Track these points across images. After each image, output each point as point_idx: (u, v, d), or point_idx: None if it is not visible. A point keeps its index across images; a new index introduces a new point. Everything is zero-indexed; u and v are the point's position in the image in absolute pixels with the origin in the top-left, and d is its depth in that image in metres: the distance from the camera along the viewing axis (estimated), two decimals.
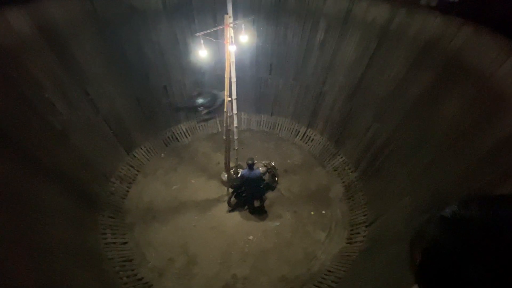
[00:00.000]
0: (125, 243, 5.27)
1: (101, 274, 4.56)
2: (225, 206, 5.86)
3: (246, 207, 5.82)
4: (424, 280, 0.68)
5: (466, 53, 4.07)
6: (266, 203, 5.94)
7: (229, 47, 4.05)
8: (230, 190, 5.77)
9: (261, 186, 5.59)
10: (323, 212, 5.93)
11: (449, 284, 0.62)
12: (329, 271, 5.00)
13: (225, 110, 4.89)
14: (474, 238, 0.62)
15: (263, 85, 7.44)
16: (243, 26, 4.22)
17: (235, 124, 5.06)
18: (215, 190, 6.18)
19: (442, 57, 4.37)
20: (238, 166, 6.04)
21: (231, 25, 3.92)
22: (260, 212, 5.79)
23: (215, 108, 6.79)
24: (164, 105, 6.90)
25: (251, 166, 5.06)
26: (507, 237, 0.60)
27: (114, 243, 5.18)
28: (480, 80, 3.78)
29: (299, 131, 7.46)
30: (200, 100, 6.69)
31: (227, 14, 3.85)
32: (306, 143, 7.30)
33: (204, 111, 6.74)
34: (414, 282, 0.71)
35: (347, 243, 5.43)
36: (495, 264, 0.59)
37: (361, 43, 5.64)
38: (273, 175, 6.25)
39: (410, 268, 0.73)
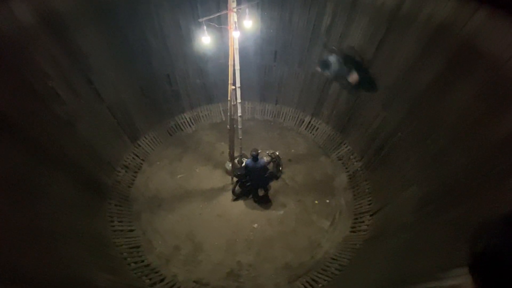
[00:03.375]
0: (132, 230, 5.38)
1: (109, 260, 4.67)
2: (229, 195, 5.91)
3: (251, 196, 5.85)
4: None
5: (480, 38, 3.88)
6: (270, 192, 5.97)
7: (233, 33, 3.94)
8: (235, 179, 5.79)
9: (265, 176, 5.59)
10: (327, 201, 5.93)
11: None
12: (333, 259, 5.06)
13: (228, 98, 4.83)
14: None
15: (267, 72, 7.30)
16: (247, 11, 4.09)
17: (239, 113, 5.01)
18: (219, 179, 6.21)
19: (455, 43, 4.19)
20: (242, 156, 6.03)
21: (235, 10, 3.80)
22: (264, 201, 5.83)
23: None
24: (167, 93, 6.85)
25: (255, 156, 5.04)
26: None
27: (122, 230, 5.29)
28: (494, 66, 3.63)
29: (303, 120, 7.38)
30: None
31: None
32: (310, 132, 7.23)
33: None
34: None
35: (351, 231, 5.46)
36: None
37: (370, 28, 5.44)
38: (277, 165, 6.24)
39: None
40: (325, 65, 5.67)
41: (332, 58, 5.55)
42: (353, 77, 5.48)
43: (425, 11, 4.57)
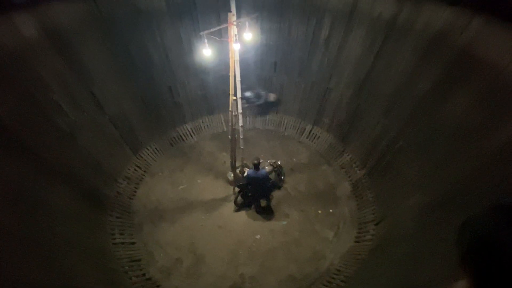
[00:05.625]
0: (133, 243, 5.31)
1: (110, 273, 4.60)
2: (232, 206, 5.85)
3: (253, 206, 5.80)
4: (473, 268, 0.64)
5: (477, 46, 3.94)
6: (273, 202, 5.91)
7: (233, 45, 4.02)
8: (237, 189, 5.75)
9: (268, 185, 5.56)
10: (331, 210, 5.86)
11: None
12: (338, 270, 4.95)
13: (230, 109, 4.87)
14: None
15: (267, 83, 7.39)
16: (247, 23, 4.18)
17: (241, 123, 5.04)
18: (221, 189, 6.18)
19: (452, 51, 4.25)
20: (244, 165, 6.02)
21: (235, 23, 3.88)
22: (267, 211, 5.76)
23: (257, 104, 7.32)
24: (169, 105, 6.92)
25: (257, 166, 5.03)
26: None
27: (123, 243, 5.23)
28: (492, 73, 3.66)
29: (305, 129, 7.40)
30: (247, 94, 6.96)
31: (231, 12, 3.81)
32: (312, 141, 7.23)
33: (246, 105, 6.95)
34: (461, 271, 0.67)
35: (356, 241, 5.36)
36: None
37: (367, 38, 5.53)
38: (279, 174, 6.21)
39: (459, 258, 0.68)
40: (248, 99, 6.99)
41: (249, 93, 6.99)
42: (272, 96, 7.27)
43: (421, 20, 4.66)
